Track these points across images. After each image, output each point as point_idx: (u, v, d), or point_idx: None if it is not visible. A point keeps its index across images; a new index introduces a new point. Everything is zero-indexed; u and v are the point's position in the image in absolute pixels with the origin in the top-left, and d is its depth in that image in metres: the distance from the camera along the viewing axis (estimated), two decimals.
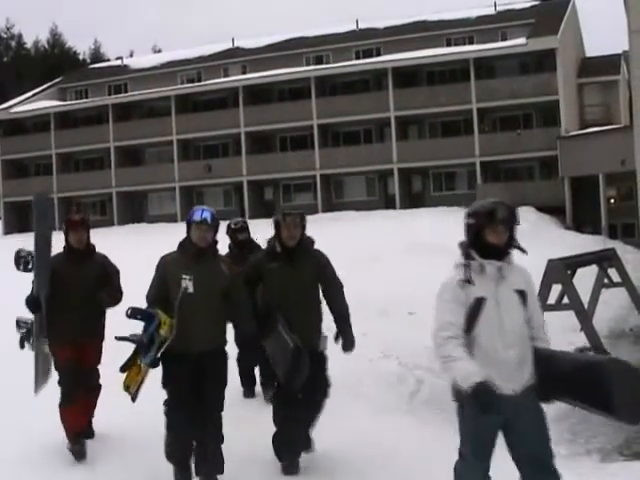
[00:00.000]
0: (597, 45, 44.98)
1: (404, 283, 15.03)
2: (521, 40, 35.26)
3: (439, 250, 22.78)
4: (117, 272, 6.11)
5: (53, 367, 5.92)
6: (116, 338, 5.08)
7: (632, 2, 15.28)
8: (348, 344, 5.49)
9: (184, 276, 5.00)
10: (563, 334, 10.02)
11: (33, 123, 44.89)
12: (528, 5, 41.22)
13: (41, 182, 40.42)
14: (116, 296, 5.97)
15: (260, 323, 5.39)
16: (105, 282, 5.94)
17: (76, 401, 5.80)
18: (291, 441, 5.51)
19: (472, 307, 3.94)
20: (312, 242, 5.67)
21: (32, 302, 5.76)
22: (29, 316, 5.89)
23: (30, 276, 5.86)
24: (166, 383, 5.11)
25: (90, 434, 6.11)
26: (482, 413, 3.71)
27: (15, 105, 45.05)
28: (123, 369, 5.00)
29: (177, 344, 4.92)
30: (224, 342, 5.30)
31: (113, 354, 5.73)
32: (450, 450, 4.27)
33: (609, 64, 38.46)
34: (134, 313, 4.91)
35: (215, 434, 5.11)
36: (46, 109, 43.31)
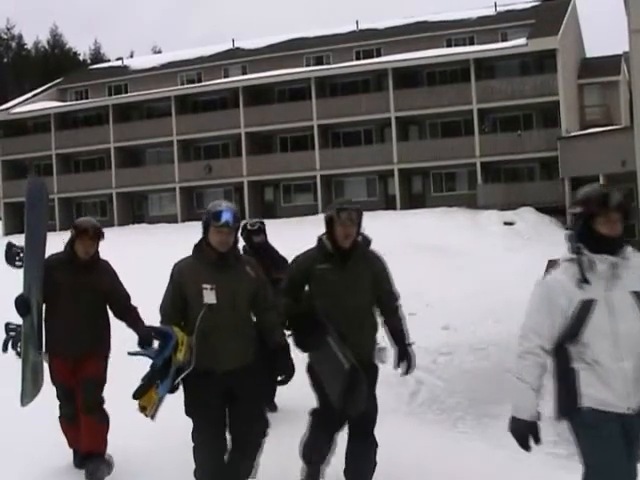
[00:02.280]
0: (597, 45, 45.23)
1: (404, 283, 15.00)
2: (521, 41, 35.27)
3: (439, 250, 22.83)
4: (122, 285, 5.57)
5: (50, 379, 5.45)
6: (129, 354, 4.47)
7: (632, 3, 15.25)
8: (410, 366, 4.89)
9: (205, 286, 4.37)
10: None
11: (33, 124, 44.90)
12: (528, 6, 41.24)
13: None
14: (139, 319, 5.48)
15: (306, 331, 4.71)
16: (109, 293, 5.42)
17: (74, 420, 5.39)
18: (319, 454, 4.99)
19: (578, 311, 3.38)
20: (369, 242, 5.00)
21: (21, 303, 5.18)
22: (19, 321, 5.39)
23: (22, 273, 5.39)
24: (190, 410, 4.46)
25: (102, 473, 5.25)
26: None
27: (15, 106, 45.05)
28: (137, 396, 4.33)
29: (200, 363, 4.31)
30: (254, 357, 4.55)
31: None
32: (449, 451, 4.26)
33: (609, 65, 38.48)
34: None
35: (251, 454, 4.55)
36: (46, 110, 43.31)
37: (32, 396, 5.47)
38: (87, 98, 45.30)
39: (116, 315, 5.57)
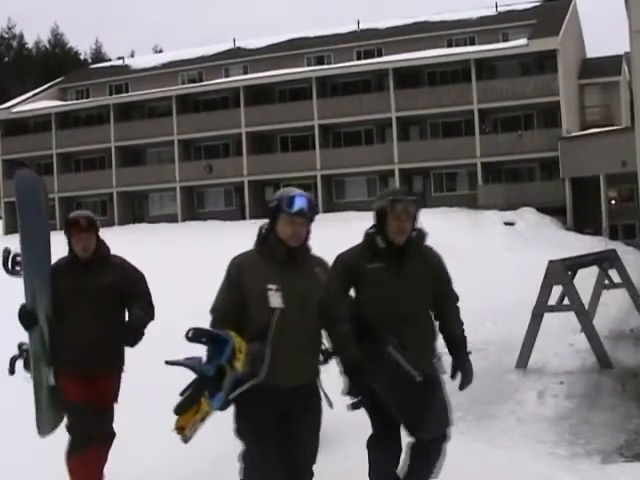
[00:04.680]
0: (598, 46, 45.08)
1: None
2: (522, 41, 35.29)
3: (440, 250, 22.80)
4: (143, 279, 4.75)
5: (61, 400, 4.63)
6: (167, 363, 3.61)
7: (633, 3, 15.28)
8: (467, 379, 4.23)
9: (270, 286, 3.68)
10: (563, 335, 10.01)
11: (34, 123, 44.90)
12: (529, 6, 41.26)
13: (45, 183, 40.36)
14: (150, 313, 4.68)
15: (359, 342, 4.00)
16: (126, 296, 4.64)
17: (89, 450, 4.50)
18: None
19: None
20: (424, 235, 4.34)
21: (24, 314, 4.52)
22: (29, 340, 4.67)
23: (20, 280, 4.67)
24: (244, 431, 3.73)
25: None
26: None
27: (16, 105, 45.08)
28: (180, 411, 3.55)
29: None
30: (318, 373, 3.90)
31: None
32: (449, 451, 4.25)
33: (610, 65, 38.50)
34: (198, 335, 3.50)
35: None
36: (47, 109, 43.35)
37: (54, 425, 4.73)
38: (88, 97, 45.31)
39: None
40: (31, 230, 4.66)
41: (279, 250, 3.73)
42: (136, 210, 42.50)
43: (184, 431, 3.54)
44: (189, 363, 3.55)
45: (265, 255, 3.76)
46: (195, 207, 41.07)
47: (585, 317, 9.18)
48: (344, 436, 5.29)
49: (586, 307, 9.73)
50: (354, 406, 3.91)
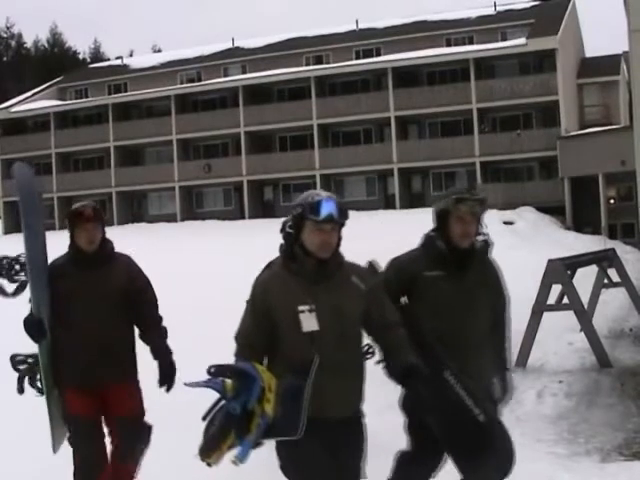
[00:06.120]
0: (597, 45, 45.14)
1: None
2: (521, 40, 35.31)
3: None
4: (149, 285, 4.32)
5: (62, 415, 4.17)
6: (186, 385, 3.21)
7: (632, 2, 15.23)
8: (503, 396, 3.88)
9: (301, 307, 3.21)
10: (562, 334, 10.01)
11: (33, 122, 44.89)
12: (528, 5, 41.26)
13: (41, 182, 40.37)
14: (163, 330, 4.27)
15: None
16: (132, 302, 4.18)
17: (97, 473, 4.01)
18: None
19: None
20: (489, 246, 3.90)
21: (32, 325, 3.98)
22: (29, 349, 4.25)
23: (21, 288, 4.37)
24: (290, 470, 3.28)
25: None
26: None
27: (15, 104, 45.03)
28: (204, 454, 3.16)
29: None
30: (363, 396, 3.44)
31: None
32: None
33: (609, 64, 38.49)
34: (220, 372, 3.14)
35: None
36: (46, 109, 43.30)
37: (64, 439, 4.30)
38: (87, 97, 45.28)
39: (140, 329, 4.28)
40: (35, 232, 4.22)
41: (308, 263, 3.25)
42: (135, 210, 42.48)
43: (209, 459, 3.19)
44: (212, 386, 3.16)
45: (292, 270, 3.29)
46: (194, 207, 41.05)
47: (584, 316, 9.19)
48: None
49: (585, 306, 9.73)
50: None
